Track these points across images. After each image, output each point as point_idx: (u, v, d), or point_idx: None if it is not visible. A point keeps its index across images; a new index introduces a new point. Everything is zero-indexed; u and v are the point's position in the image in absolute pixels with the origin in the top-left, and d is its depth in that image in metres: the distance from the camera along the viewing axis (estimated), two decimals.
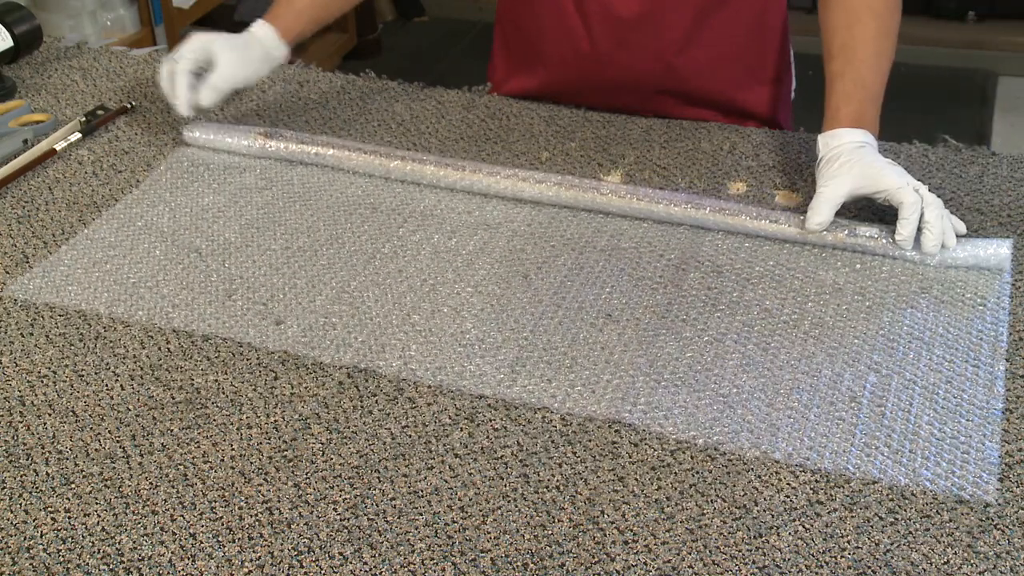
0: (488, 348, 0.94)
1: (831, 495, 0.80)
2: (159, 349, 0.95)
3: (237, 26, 1.25)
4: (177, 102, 1.20)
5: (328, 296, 1.01)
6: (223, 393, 0.91)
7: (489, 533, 0.78)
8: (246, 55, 1.22)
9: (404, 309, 0.99)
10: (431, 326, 0.97)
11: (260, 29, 1.25)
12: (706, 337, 0.95)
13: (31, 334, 0.97)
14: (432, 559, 0.76)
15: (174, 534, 0.78)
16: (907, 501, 0.80)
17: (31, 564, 0.76)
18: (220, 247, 1.08)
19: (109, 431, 0.87)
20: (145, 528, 0.79)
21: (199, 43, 1.20)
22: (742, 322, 0.97)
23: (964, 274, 1.02)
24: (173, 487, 0.82)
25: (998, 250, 1.01)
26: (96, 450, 0.85)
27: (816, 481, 0.82)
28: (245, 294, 1.02)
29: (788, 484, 0.81)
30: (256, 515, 0.80)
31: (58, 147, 1.24)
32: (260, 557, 0.76)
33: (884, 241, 1.02)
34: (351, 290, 1.02)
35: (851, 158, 1.04)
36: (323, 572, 0.76)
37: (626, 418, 0.87)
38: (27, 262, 1.07)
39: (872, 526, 0.78)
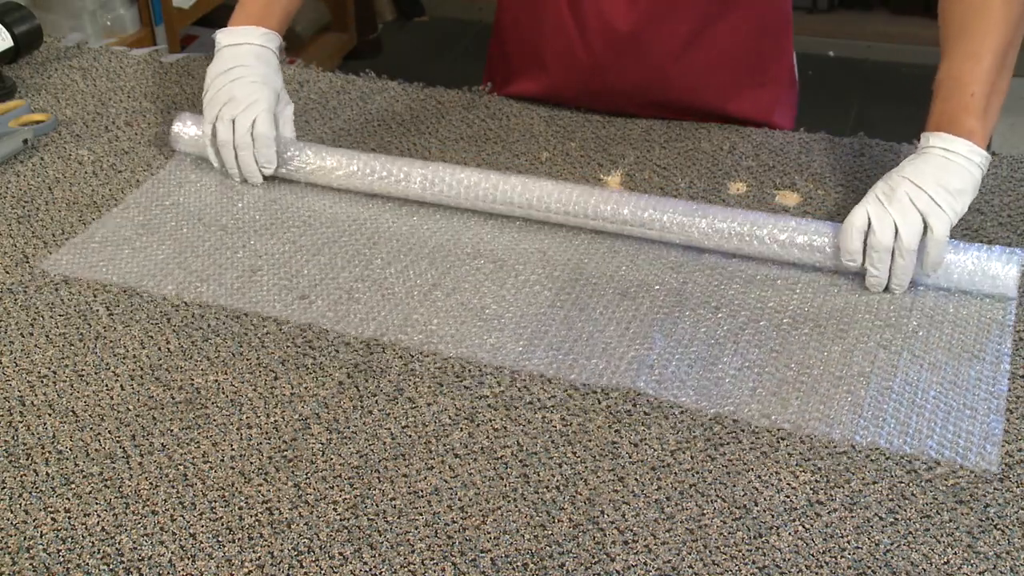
0: (507, 322, 0.97)
1: (831, 495, 0.80)
2: (159, 349, 0.95)
3: None
4: (253, 177, 1.16)
5: (351, 272, 1.04)
6: (223, 393, 0.91)
7: (489, 533, 0.78)
8: (276, 78, 1.18)
9: (425, 285, 1.02)
10: (452, 302, 1.00)
11: (266, 40, 1.19)
12: (720, 314, 0.98)
13: (31, 334, 0.97)
14: (432, 559, 0.76)
15: (174, 534, 0.78)
16: (907, 501, 0.80)
17: (31, 564, 0.76)
18: (245, 224, 1.12)
19: (109, 431, 0.87)
20: (145, 528, 0.79)
21: (247, 107, 1.14)
22: (756, 299, 1.00)
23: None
24: (173, 487, 0.82)
25: (1006, 268, 0.98)
26: (96, 450, 0.85)
27: (816, 481, 0.82)
28: (270, 270, 1.05)
29: (788, 484, 0.81)
30: (256, 515, 0.80)
31: None
32: (260, 557, 0.77)
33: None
34: (374, 267, 1.05)
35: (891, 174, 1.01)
36: (323, 572, 0.76)
37: (641, 387, 0.89)
38: (27, 262, 1.07)
39: (872, 526, 0.78)
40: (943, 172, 0.98)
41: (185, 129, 1.21)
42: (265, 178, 1.18)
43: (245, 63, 1.16)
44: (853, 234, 0.98)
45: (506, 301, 1.00)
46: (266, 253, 1.07)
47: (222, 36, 1.19)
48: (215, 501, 0.81)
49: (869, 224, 0.98)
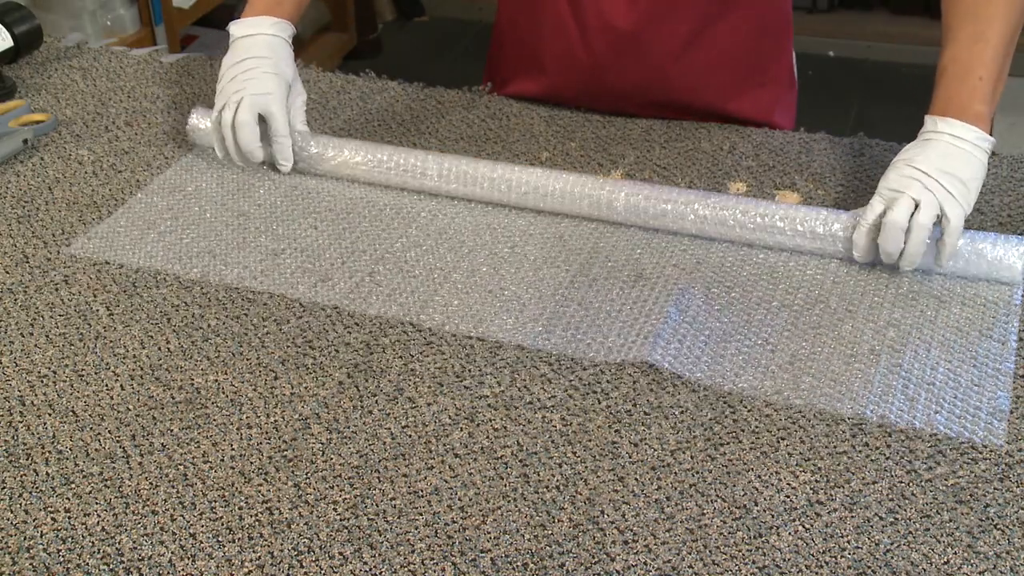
0: (526, 303, 0.99)
1: (831, 495, 0.80)
2: (159, 349, 0.95)
3: None
4: (253, 155, 1.15)
5: (372, 256, 1.06)
6: (223, 393, 0.91)
7: (489, 533, 0.78)
8: (288, 68, 1.18)
9: (445, 268, 1.04)
10: (471, 284, 1.02)
11: (278, 30, 1.19)
12: (733, 294, 1.00)
13: (31, 334, 0.97)
14: (432, 559, 0.76)
15: (174, 534, 0.78)
16: (907, 501, 0.80)
17: (31, 564, 0.76)
18: (266, 210, 1.14)
19: (109, 431, 0.87)
20: (145, 528, 0.79)
21: (257, 97, 1.14)
22: (768, 281, 1.02)
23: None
24: (173, 487, 0.82)
25: (1011, 257, 1.00)
26: (96, 450, 0.85)
27: (816, 481, 0.82)
28: (292, 253, 1.07)
29: (788, 484, 0.81)
30: (256, 515, 0.80)
31: None
32: (260, 557, 0.77)
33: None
34: (394, 251, 1.07)
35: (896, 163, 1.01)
36: (323, 572, 0.76)
37: (658, 360, 0.91)
38: (27, 262, 1.07)
39: (872, 526, 0.78)
40: (953, 160, 0.99)
41: (200, 123, 1.22)
42: (279, 171, 1.18)
43: (258, 54, 1.17)
44: (867, 231, 1.00)
45: (524, 283, 1.02)
46: (288, 237, 1.09)
47: (235, 28, 1.19)
48: (215, 501, 0.81)
49: (883, 213, 0.99)
